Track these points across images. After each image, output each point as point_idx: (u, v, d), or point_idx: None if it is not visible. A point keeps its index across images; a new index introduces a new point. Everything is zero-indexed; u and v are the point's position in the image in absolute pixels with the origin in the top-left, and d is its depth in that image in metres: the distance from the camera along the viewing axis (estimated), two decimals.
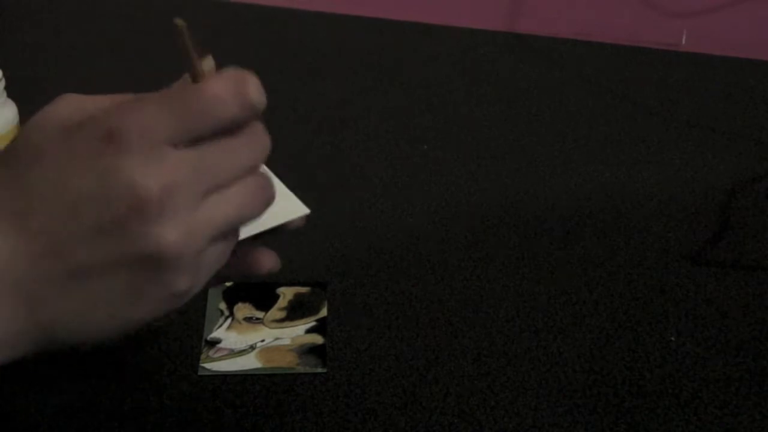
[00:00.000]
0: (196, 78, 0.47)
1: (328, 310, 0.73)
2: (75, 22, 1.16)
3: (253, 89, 0.46)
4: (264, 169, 0.49)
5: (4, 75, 0.80)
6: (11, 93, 0.81)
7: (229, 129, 0.46)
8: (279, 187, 0.54)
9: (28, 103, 0.84)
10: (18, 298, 0.45)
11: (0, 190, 0.45)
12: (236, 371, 0.68)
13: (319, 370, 0.68)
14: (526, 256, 0.79)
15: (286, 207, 0.55)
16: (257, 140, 0.47)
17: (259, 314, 0.73)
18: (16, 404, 0.65)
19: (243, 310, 0.73)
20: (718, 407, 0.66)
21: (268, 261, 0.54)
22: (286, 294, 0.74)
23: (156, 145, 0.44)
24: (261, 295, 0.74)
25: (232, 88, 0.45)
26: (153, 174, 0.43)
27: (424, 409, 0.65)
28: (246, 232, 0.51)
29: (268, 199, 0.48)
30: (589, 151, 0.93)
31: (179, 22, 0.46)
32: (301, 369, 0.68)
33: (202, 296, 0.74)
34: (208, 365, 0.68)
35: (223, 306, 0.73)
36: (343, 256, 0.78)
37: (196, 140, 0.45)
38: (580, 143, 0.94)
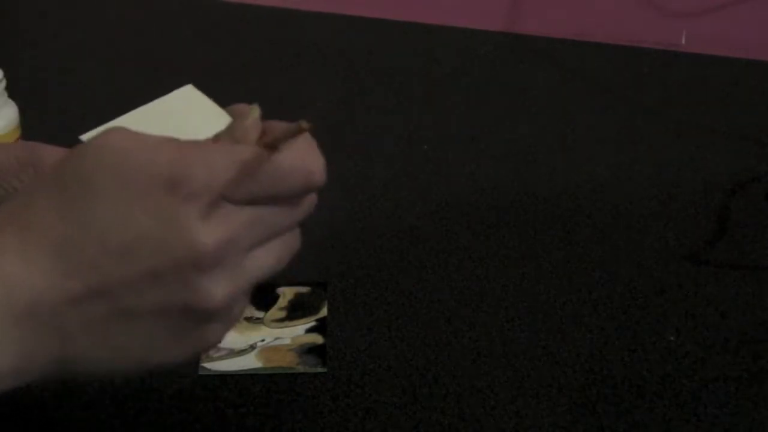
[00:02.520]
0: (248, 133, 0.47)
1: (328, 310, 0.73)
2: (75, 22, 1.16)
3: (321, 169, 0.47)
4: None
5: (5, 75, 0.80)
6: (12, 93, 0.81)
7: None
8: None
9: (28, 103, 0.84)
10: (46, 328, 0.44)
11: (46, 214, 0.44)
12: (236, 371, 0.68)
13: (319, 369, 0.68)
14: (526, 255, 0.79)
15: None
16: (303, 206, 0.48)
17: (259, 314, 0.73)
18: (16, 409, 0.65)
19: None
20: (718, 407, 0.66)
21: None
22: (286, 294, 0.74)
23: (218, 199, 0.44)
24: (261, 294, 0.74)
25: (302, 165, 0.46)
26: (213, 228, 0.43)
27: (424, 409, 0.65)
28: None
29: (294, 251, 0.49)
30: (589, 151, 0.93)
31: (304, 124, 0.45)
32: (301, 369, 0.68)
33: None
34: (208, 365, 0.68)
35: None
36: (343, 256, 0.78)
37: (255, 201, 0.45)
38: (580, 143, 0.94)
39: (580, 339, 0.71)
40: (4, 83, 0.79)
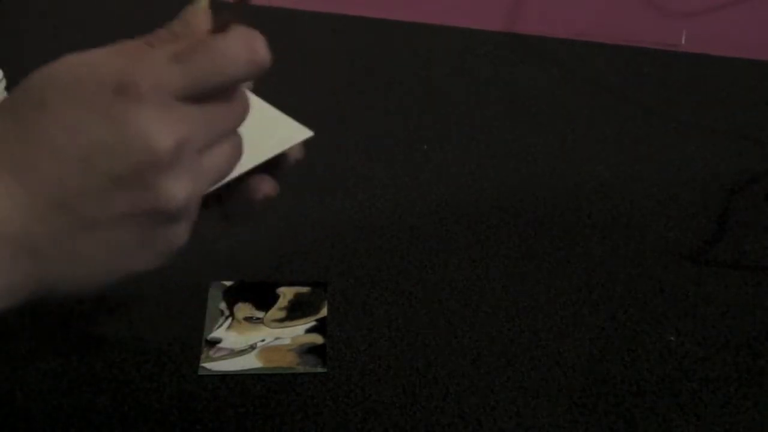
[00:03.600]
0: (194, 18, 0.47)
1: (328, 310, 0.73)
2: (75, 22, 1.16)
3: (263, 49, 0.47)
4: (250, 95, 0.49)
5: (5, 75, 0.80)
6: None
7: (232, 87, 0.47)
8: (274, 113, 0.53)
9: None
10: (20, 250, 0.44)
11: (2, 142, 0.44)
12: (236, 371, 0.68)
13: (319, 370, 0.68)
14: (526, 256, 0.79)
15: (286, 133, 0.54)
16: (245, 100, 0.48)
17: (259, 314, 0.73)
18: (16, 410, 0.65)
19: (243, 309, 0.73)
20: (718, 407, 0.66)
21: (264, 186, 0.53)
22: (286, 294, 0.74)
23: (168, 99, 0.44)
24: (261, 295, 0.74)
25: (245, 47, 0.46)
26: (167, 128, 0.44)
27: (424, 409, 0.65)
28: (244, 165, 0.50)
29: (239, 158, 0.49)
30: (589, 151, 0.93)
31: None
32: (301, 369, 0.68)
33: (202, 296, 0.74)
34: (208, 365, 0.68)
35: (223, 306, 0.73)
36: (343, 256, 0.78)
37: (201, 97, 0.45)
38: (580, 143, 0.94)
39: (580, 339, 0.71)
40: (4, 83, 0.79)
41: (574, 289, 0.75)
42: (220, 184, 0.49)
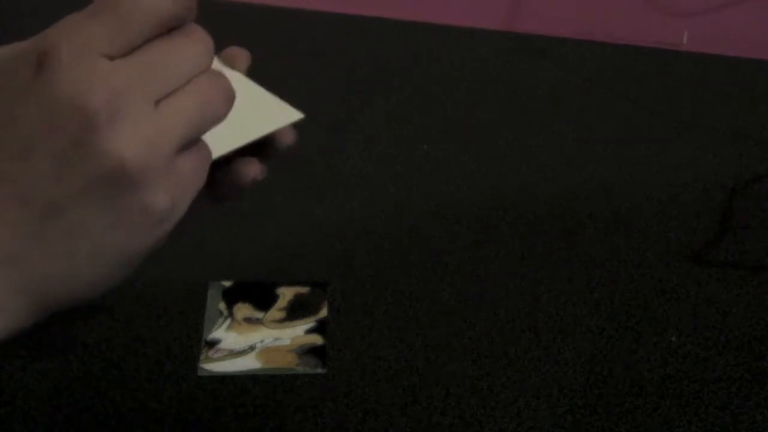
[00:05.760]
0: None
1: (328, 310, 0.73)
2: None
3: None
4: (239, 75, 0.48)
5: None
6: None
7: (166, 30, 0.44)
8: (265, 95, 0.51)
9: None
10: (3, 266, 0.42)
11: None
12: (236, 372, 0.68)
13: (319, 370, 0.68)
14: (526, 256, 0.79)
15: (277, 114, 0.52)
16: (198, 38, 0.46)
17: (259, 314, 0.72)
18: (15, 410, 0.65)
19: (242, 310, 0.73)
20: (719, 407, 0.65)
21: (251, 169, 0.51)
22: (286, 294, 0.74)
23: (92, 58, 0.42)
24: (261, 295, 0.74)
25: None
26: (95, 85, 0.41)
27: (424, 409, 0.65)
28: (230, 144, 0.48)
29: (227, 96, 0.46)
30: (589, 151, 0.92)
31: None
32: (301, 369, 0.68)
33: (202, 296, 0.74)
34: (207, 366, 0.68)
35: (222, 306, 0.73)
36: (343, 256, 0.78)
37: (134, 47, 0.43)
38: (580, 143, 0.94)
39: (581, 339, 0.71)
40: None
41: (574, 289, 0.75)
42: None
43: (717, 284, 0.76)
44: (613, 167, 0.90)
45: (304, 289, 0.75)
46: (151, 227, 0.44)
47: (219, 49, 0.53)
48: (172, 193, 0.44)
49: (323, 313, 0.73)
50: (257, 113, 0.51)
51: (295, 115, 0.52)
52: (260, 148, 0.51)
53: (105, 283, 0.44)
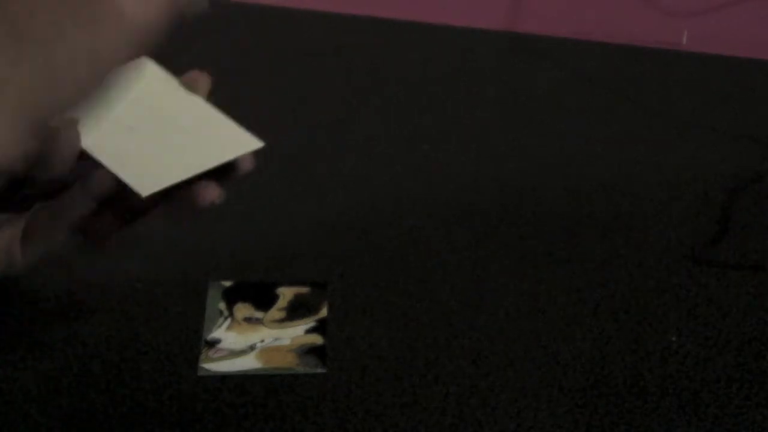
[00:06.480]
0: None
1: (328, 310, 0.73)
2: None
3: None
4: (200, 101, 0.48)
5: None
6: None
7: None
8: (225, 122, 0.52)
9: None
10: None
11: None
12: (236, 371, 0.68)
13: (319, 370, 0.68)
14: (526, 256, 0.79)
15: (236, 142, 0.53)
16: None
17: (259, 314, 0.72)
18: (15, 410, 0.65)
19: (242, 310, 0.73)
20: (719, 407, 0.65)
21: (210, 193, 0.52)
22: (286, 294, 0.74)
23: None
24: (261, 295, 0.74)
25: None
26: None
27: (424, 409, 0.65)
28: (192, 169, 0.50)
29: None
30: (589, 151, 0.92)
31: None
32: (301, 369, 0.68)
33: (202, 296, 0.74)
34: (207, 366, 0.68)
35: (222, 306, 0.73)
36: (343, 256, 0.78)
37: None
38: (580, 143, 0.94)
39: (581, 339, 0.71)
40: None
41: (574, 289, 0.75)
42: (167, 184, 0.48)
43: (717, 284, 0.76)
44: (612, 167, 0.90)
45: (304, 289, 0.75)
46: (123, 34, 0.44)
47: (180, 73, 0.54)
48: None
49: (323, 313, 0.73)
50: (217, 140, 0.52)
51: (254, 143, 0.53)
52: (220, 173, 0.52)
53: (83, 91, 0.45)
